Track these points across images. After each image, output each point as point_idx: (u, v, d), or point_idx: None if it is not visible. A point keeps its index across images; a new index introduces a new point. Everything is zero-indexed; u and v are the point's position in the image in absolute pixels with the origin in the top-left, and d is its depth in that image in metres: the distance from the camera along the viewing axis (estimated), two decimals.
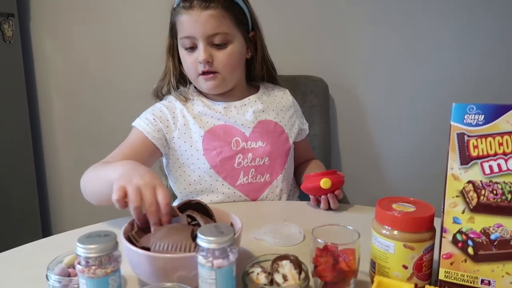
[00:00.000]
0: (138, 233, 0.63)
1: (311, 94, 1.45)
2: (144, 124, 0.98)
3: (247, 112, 1.03)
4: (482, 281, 0.55)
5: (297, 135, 1.11)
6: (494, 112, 0.52)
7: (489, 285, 0.54)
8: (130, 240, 0.60)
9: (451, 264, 0.56)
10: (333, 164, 1.56)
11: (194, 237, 0.60)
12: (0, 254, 0.72)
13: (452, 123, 0.54)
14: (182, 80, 1.06)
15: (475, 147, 0.53)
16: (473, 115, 0.53)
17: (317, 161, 1.19)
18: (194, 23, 0.93)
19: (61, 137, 1.71)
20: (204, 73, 0.97)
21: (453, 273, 0.56)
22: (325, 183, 0.87)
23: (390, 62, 1.54)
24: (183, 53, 0.98)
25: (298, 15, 1.51)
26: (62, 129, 1.71)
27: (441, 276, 0.57)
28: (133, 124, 1.00)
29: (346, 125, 1.61)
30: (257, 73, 1.09)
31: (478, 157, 0.53)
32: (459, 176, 0.54)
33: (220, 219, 0.68)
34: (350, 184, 1.65)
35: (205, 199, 0.98)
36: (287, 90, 1.14)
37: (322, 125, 1.46)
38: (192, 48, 0.96)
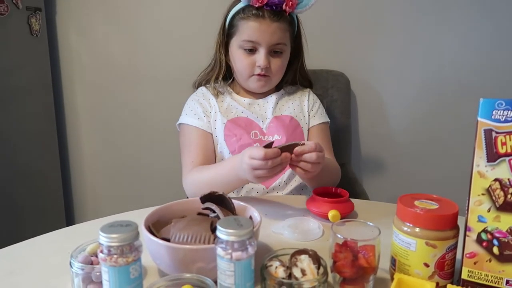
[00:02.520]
0: (159, 223, 0.64)
1: (332, 88, 1.44)
2: (194, 119, 1.07)
3: (268, 109, 1.10)
4: (508, 282, 0.53)
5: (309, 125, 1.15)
6: None
7: None
8: (150, 230, 0.61)
9: (475, 263, 0.55)
10: (353, 160, 1.54)
11: (213, 229, 0.60)
12: (25, 242, 0.74)
13: (479, 119, 0.53)
14: (227, 74, 1.13)
15: (503, 144, 0.51)
16: (502, 111, 0.51)
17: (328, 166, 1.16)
18: (262, 31, 1.01)
19: (85, 128, 1.75)
20: (258, 74, 1.05)
21: (476, 273, 0.55)
22: (334, 217, 0.80)
23: (414, 57, 1.50)
24: (239, 53, 1.05)
25: (320, 8, 1.49)
26: (86, 120, 1.74)
27: (464, 276, 0.56)
28: (182, 122, 1.09)
29: (368, 120, 1.59)
30: (288, 79, 1.15)
31: (506, 154, 0.51)
32: (486, 173, 0.53)
33: (240, 213, 0.68)
34: (371, 181, 1.63)
35: None
36: (308, 90, 1.19)
37: (343, 120, 1.44)
38: (251, 50, 1.03)
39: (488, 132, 0.52)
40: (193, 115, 1.08)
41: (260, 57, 1.02)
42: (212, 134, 1.07)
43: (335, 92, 1.43)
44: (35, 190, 1.57)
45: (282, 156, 0.76)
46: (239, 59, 1.05)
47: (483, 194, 0.53)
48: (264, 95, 1.13)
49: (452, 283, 0.57)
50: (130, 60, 1.65)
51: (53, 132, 1.67)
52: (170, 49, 1.61)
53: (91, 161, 1.78)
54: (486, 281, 0.54)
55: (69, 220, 1.82)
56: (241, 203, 0.69)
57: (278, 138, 1.06)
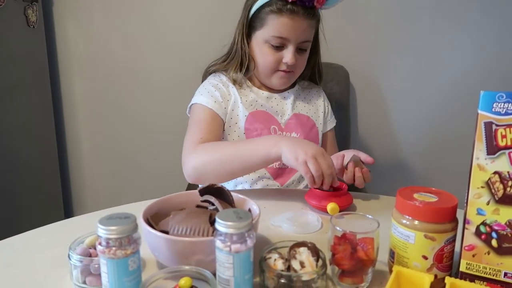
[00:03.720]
0: (158, 216, 0.64)
1: (332, 81, 1.43)
2: (210, 100, 1.02)
3: (285, 104, 1.09)
4: (506, 274, 0.53)
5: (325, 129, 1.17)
6: None
7: None
8: (149, 223, 0.61)
9: (473, 256, 0.55)
10: None
11: (212, 222, 0.60)
12: (24, 234, 0.74)
13: (479, 111, 0.52)
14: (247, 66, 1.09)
15: (504, 136, 0.51)
16: (503, 104, 0.51)
17: None
18: (294, 28, 0.97)
19: (83, 120, 1.74)
20: (283, 71, 1.03)
21: (475, 265, 0.55)
22: (332, 210, 0.80)
23: (412, 51, 1.50)
24: (265, 48, 1.01)
25: None
26: (84, 112, 1.73)
27: (462, 268, 0.56)
28: (196, 102, 1.03)
29: (366, 113, 1.58)
30: (305, 74, 1.14)
31: (506, 147, 0.51)
32: (485, 166, 0.52)
33: (239, 205, 0.68)
34: (370, 173, 1.63)
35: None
36: (321, 88, 1.19)
37: (342, 113, 1.44)
38: (279, 46, 1.00)
39: (488, 125, 0.52)
40: (210, 97, 1.02)
41: (288, 54, 0.99)
42: (224, 122, 1.03)
43: (334, 85, 1.43)
44: (33, 183, 1.57)
45: (335, 177, 0.82)
46: (264, 54, 1.02)
47: (482, 187, 0.53)
48: (281, 90, 1.11)
49: (450, 275, 0.57)
50: (129, 52, 1.64)
51: (51, 124, 1.66)
52: (169, 40, 1.60)
53: (89, 153, 1.78)
54: (484, 273, 0.54)
55: (68, 213, 1.82)
56: (240, 195, 0.69)
57: (296, 136, 1.06)
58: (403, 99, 1.55)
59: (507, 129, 0.51)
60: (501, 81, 1.46)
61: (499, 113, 0.51)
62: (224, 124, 1.04)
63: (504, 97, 0.51)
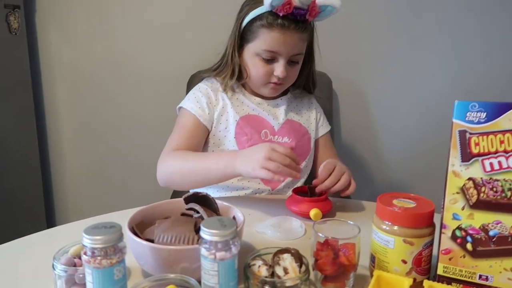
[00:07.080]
0: (143, 224, 0.65)
1: None
2: (195, 106, 1.04)
3: (278, 109, 1.10)
4: (480, 276, 0.55)
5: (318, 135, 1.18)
6: (496, 110, 0.52)
7: (487, 281, 0.55)
8: (134, 231, 0.61)
9: (450, 259, 0.57)
10: None
11: (197, 230, 0.61)
12: (7, 244, 0.73)
13: (454, 120, 0.55)
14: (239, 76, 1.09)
15: (477, 144, 0.53)
16: (475, 113, 0.53)
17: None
18: (285, 43, 0.97)
19: (65, 129, 1.72)
20: (274, 83, 1.03)
21: (451, 268, 0.57)
22: (315, 216, 0.81)
23: (394, 58, 1.53)
24: (256, 60, 1.01)
25: None
26: (67, 120, 1.72)
27: (440, 271, 0.58)
28: (182, 106, 1.06)
29: (349, 120, 1.61)
30: (299, 83, 1.15)
31: (479, 154, 0.53)
32: (460, 173, 0.55)
33: (223, 213, 0.69)
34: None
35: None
36: (313, 96, 1.21)
37: None
38: (269, 60, 1.00)
39: (462, 133, 0.54)
40: (196, 103, 1.04)
41: (279, 67, 0.99)
42: (207, 128, 1.04)
43: (317, 92, 1.44)
44: (15, 191, 1.54)
45: (296, 159, 0.81)
46: (255, 67, 1.02)
47: (457, 193, 0.55)
48: (273, 97, 1.11)
49: (428, 278, 0.59)
50: (111, 60, 1.63)
51: (33, 133, 1.64)
52: (152, 47, 1.60)
53: (72, 161, 1.76)
54: (460, 276, 0.56)
55: (50, 222, 1.79)
56: (225, 203, 0.70)
57: (288, 141, 1.07)
58: (386, 106, 1.58)
59: (480, 137, 0.53)
60: (483, 90, 1.50)
61: (472, 122, 0.54)
62: (209, 131, 1.05)
63: (477, 106, 0.53)
